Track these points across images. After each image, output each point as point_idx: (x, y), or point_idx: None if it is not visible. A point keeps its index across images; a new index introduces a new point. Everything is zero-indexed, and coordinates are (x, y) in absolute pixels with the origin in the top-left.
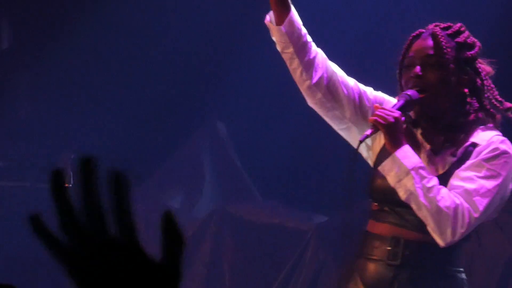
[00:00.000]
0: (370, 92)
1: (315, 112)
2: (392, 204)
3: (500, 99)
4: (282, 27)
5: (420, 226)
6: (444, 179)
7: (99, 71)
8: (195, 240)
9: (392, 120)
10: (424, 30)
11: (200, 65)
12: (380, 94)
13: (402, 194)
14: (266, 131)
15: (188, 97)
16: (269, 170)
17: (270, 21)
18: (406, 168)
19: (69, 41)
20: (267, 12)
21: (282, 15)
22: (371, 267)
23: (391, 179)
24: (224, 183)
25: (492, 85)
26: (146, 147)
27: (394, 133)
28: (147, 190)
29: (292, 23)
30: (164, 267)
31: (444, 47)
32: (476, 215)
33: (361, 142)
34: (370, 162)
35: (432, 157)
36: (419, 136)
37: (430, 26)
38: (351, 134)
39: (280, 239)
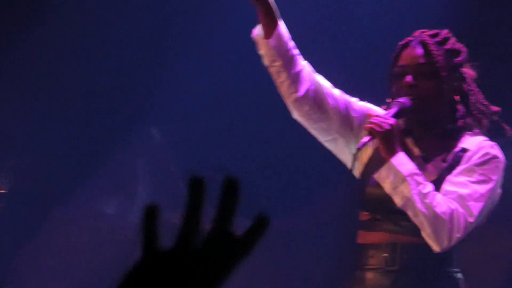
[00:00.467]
0: (355, 102)
1: (253, 115)
2: (386, 212)
3: (485, 102)
4: (270, 41)
5: (415, 230)
6: (436, 185)
7: (25, 74)
8: (132, 244)
9: (388, 127)
10: (412, 38)
11: (132, 68)
12: (365, 104)
13: (398, 201)
14: (202, 136)
15: (121, 102)
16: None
17: (258, 35)
18: (402, 175)
19: None
20: (202, 13)
21: (270, 28)
22: (370, 276)
23: (387, 186)
24: (158, 189)
25: (477, 89)
26: (78, 152)
27: (389, 141)
28: (81, 195)
29: (280, 36)
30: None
31: (435, 55)
32: (471, 219)
33: (359, 149)
34: (357, 173)
35: (423, 164)
36: (409, 143)
37: (417, 34)
38: (337, 146)
39: None
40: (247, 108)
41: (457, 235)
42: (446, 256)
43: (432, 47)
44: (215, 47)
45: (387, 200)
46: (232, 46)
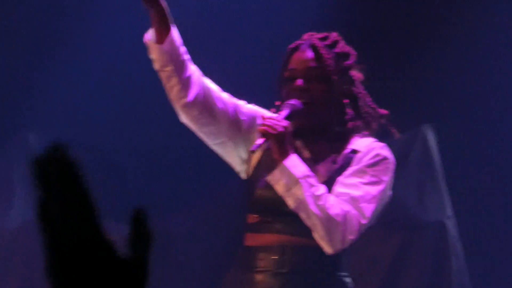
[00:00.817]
0: (243, 105)
1: (137, 117)
2: (276, 213)
3: (373, 105)
4: (163, 46)
5: (306, 232)
6: (327, 187)
7: None
8: (8, 251)
9: (281, 129)
10: (302, 42)
11: (8, 72)
12: (253, 107)
13: (291, 203)
14: (82, 140)
15: None
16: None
17: (151, 40)
18: (295, 177)
19: None
20: (81, 13)
21: (164, 33)
22: (259, 278)
23: (280, 189)
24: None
25: (365, 92)
26: None
27: (282, 143)
28: None
29: (173, 41)
30: (132, 264)
31: (326, 58)
32: (364, 221)
33: (253, 152)
34: (244, 176)
35: (313, 166)
36: (299, 146)
37: (306, 37)
38: (225, 149)
39: None
40: (129, 111)
41: (350, 237)
42: (336, 260)
43: (323, 51)
44: (94, 48)
45: (278, 202)
46: (111, 47)
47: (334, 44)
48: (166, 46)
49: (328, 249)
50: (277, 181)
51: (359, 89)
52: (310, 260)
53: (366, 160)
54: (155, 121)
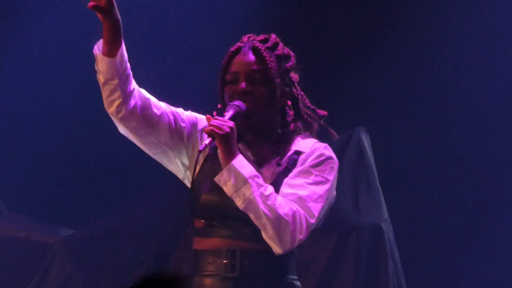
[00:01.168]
0: (182, 112)
1: (65, 121)
2: (222, 218)
3: (312, 106)
4: (113, 60)
5: (255, 236)
6: (274, 189)
7: None
8: None
9: (228, 130)
10: (242, 44)
11: None
12: (191, 113)
13: (240, 204)
14: (12, 140)
15: None
16: (14, 181)
17: (100, 52)
18: (244, 177)
19: None
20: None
21: (115, 47)
22: (207, 282)
23: (228, 189)
24: None
25: (302, 93)
26: None
27: (229, 143)
28: None
29: (122, 56)
30: None
31: (268, 61)
32: (312, 220)
33: (200, 152)
34: (188, 182)
35: (258, 168)
36: (242, 148)
37: (245, 39)
38: (168, 157)
39: (25, 253)
40: (65, 120)
41: (300, 236)
42: (285, 263)
43: (265, 53)
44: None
45: (224, 206)
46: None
47: (274, 46)
48: (117, 60)
49: (277, 249)
50: (225, 181)
51: (298, 91)
52: (260, 263)
53: (310, 160)
54: (94, 128)
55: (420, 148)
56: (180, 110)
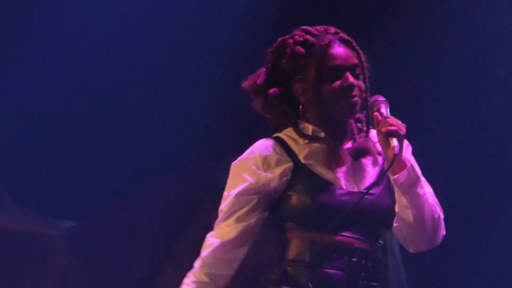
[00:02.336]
0: (251, 208)
1: (68, 115)
2: (354, 218)
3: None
4: None
5: (376, 238)
6: (379, 185)
7: None
8: None
9: (405, 128)
10: (330, 37)
11: None
12: (258, 180)
13: (409, 200)
14: (16, 134)
15: None
16: (18, 174)
17: None
18: (417, 175)
19: None
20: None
21: None
22: (331, 277)
23: (404, 188)
24: None
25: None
26: None
27: (403, 142)
28: None
29: None
30: None
31: (362, 54)
32: (442, 217)
33: (396, 155)
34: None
35: (358, 167)
36: (339, 150)
37: (317, 32)
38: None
39: (27, 245)
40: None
41: (443, 232)
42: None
43: (356, 46)
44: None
45: (359, 207)
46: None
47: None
48: None
49: (424, 246)
50: (407, 180)
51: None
52: (379, 268)
53: (412, 159)
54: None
55: (420, 148)
56: (253, 220)
